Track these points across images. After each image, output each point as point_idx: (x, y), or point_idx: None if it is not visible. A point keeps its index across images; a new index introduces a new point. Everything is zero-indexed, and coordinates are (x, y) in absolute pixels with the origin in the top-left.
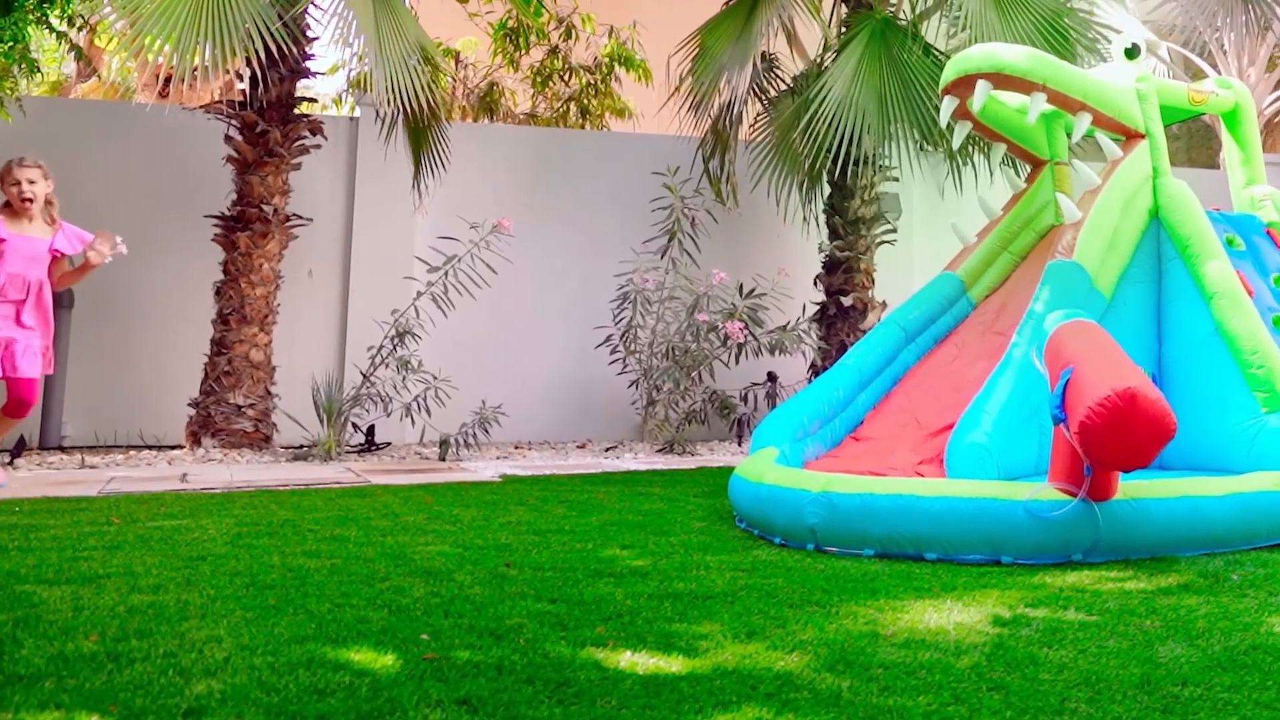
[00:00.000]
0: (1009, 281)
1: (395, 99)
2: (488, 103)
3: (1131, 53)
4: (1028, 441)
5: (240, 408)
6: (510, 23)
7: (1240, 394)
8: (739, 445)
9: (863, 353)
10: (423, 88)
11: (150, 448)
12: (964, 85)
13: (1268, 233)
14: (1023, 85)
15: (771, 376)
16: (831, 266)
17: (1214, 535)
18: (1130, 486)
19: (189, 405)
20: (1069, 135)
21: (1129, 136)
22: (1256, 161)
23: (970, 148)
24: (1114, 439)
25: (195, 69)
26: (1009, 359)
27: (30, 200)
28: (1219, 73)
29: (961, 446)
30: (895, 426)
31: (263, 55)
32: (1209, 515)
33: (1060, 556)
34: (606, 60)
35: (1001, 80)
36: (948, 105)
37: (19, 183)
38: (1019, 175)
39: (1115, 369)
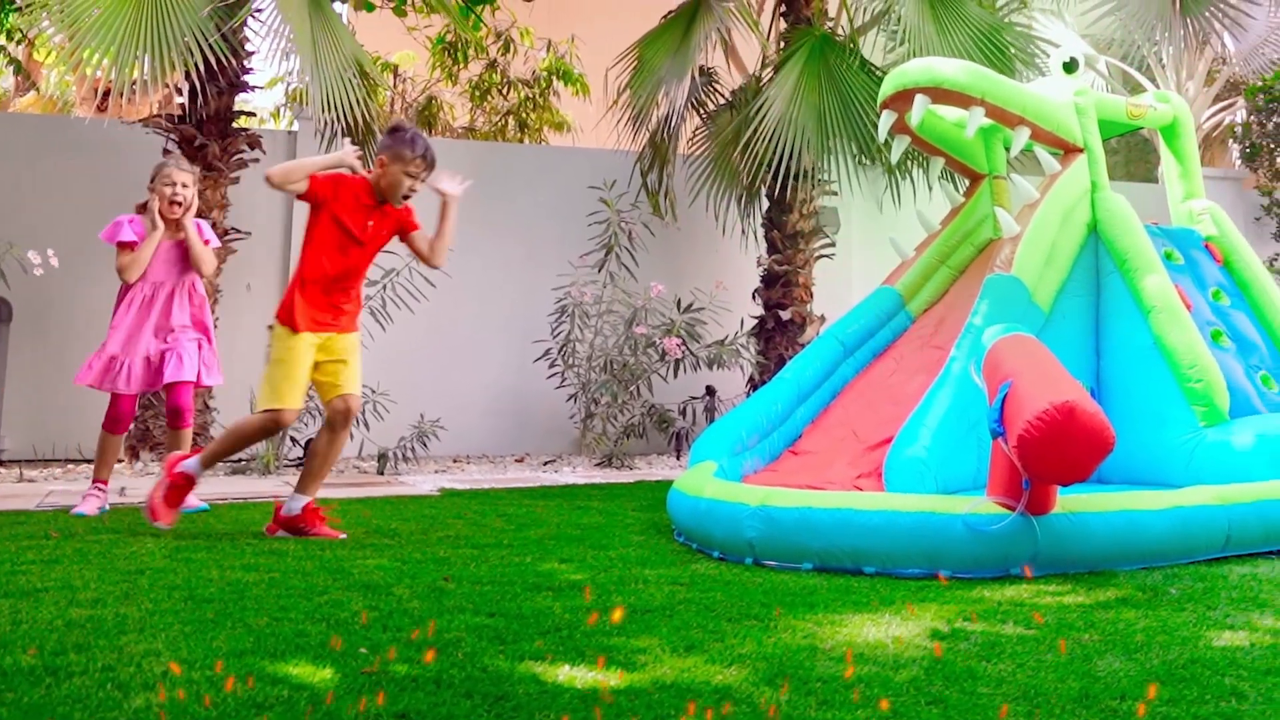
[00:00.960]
0: (947, 295)
1: (331, 113)
2: (426, 116)
3: (1070, 67)
4: (966, 455)
5: None
6: (449, 37)
7: (1179, 408)
8: (678, 459)
9: (801, 366)
10: (358, 101)
11: (88, 461)
12: (902, 99)
13: (1206, 247)
14: (961, 99)
15: (710, 390)
16: (770, 280)
17: (1153, 549)
18: (1069, 500)
19: None
20: (1007, 149)
21: (1067, 151)
22: (1195, 175)
23: (909, 162)
24: (1052, 453)
25: (134, 82)
26: (947, 373)
27: (180, 204)
28: (1157, 86)
29: (900, 460)
30: (833, 440)
31: (201, 69)
32: (1148, 529)
33: (999, 570)
34: (545, 74)
35: (940, 94)
36: (886, 119)
37: (174, 184)
38: (957, 189)
39: (1053, 383)
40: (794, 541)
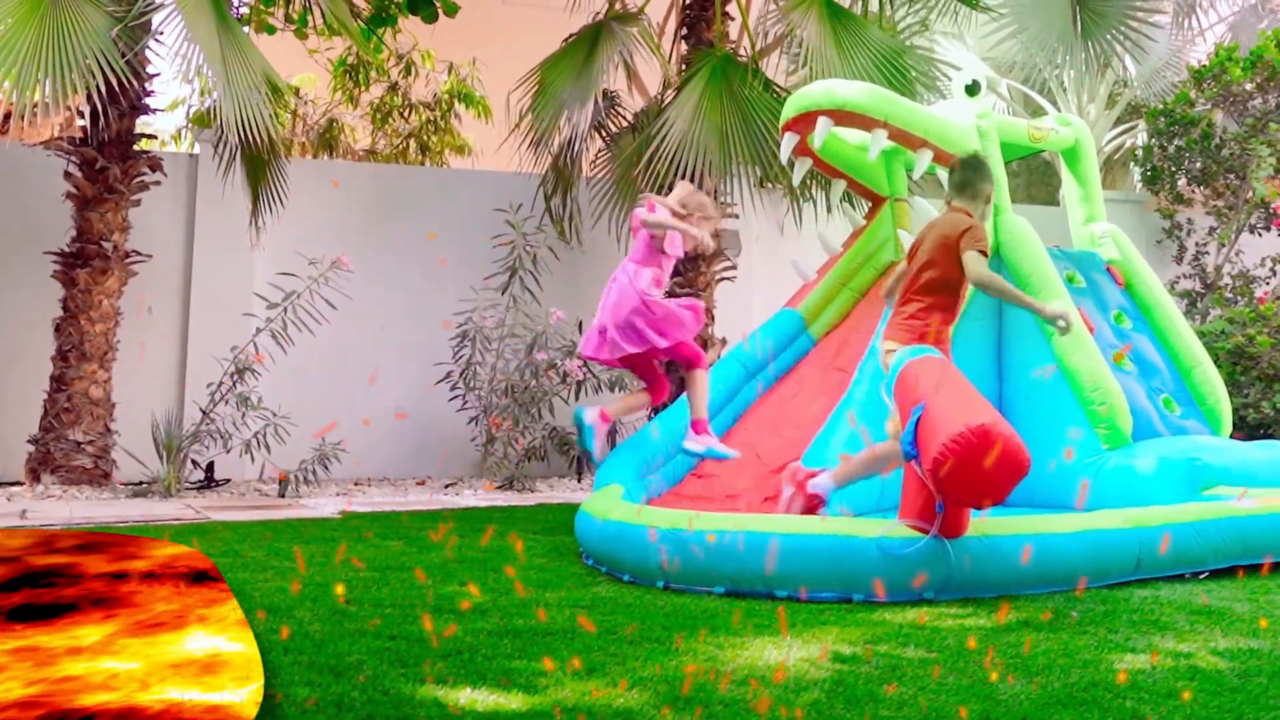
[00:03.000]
0: (849, 318)
1: (242, 131)
2: (327, 139)
3: (972, 89)
4: (869, 480)
5: (80, 444)
6: (350, 59)
7: (1084, 431)
8: (579, 482)
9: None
10: (269, 120)
11: None
12: (804, 122)
13: (1108, 269)
14: (864, 122)
15: None
16: None
17: (1066, 572)
18: (982, 523)
19: (28, 441)
20: (909, 171)
21: None
22: (1096, 198)
23: (810, 184)
24: (967, 476)
25: (35, 105)
26: (850, 397)
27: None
28: (1059, 109)
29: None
30: (736, 463)
31: (103, 91)
32: (1061, 552)
33: (913, 594)
34: (446, 97)
35: (843, 117)
36: (788, 142)
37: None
38: (857, 211)
39: (968, 404)
40: (707, 565)
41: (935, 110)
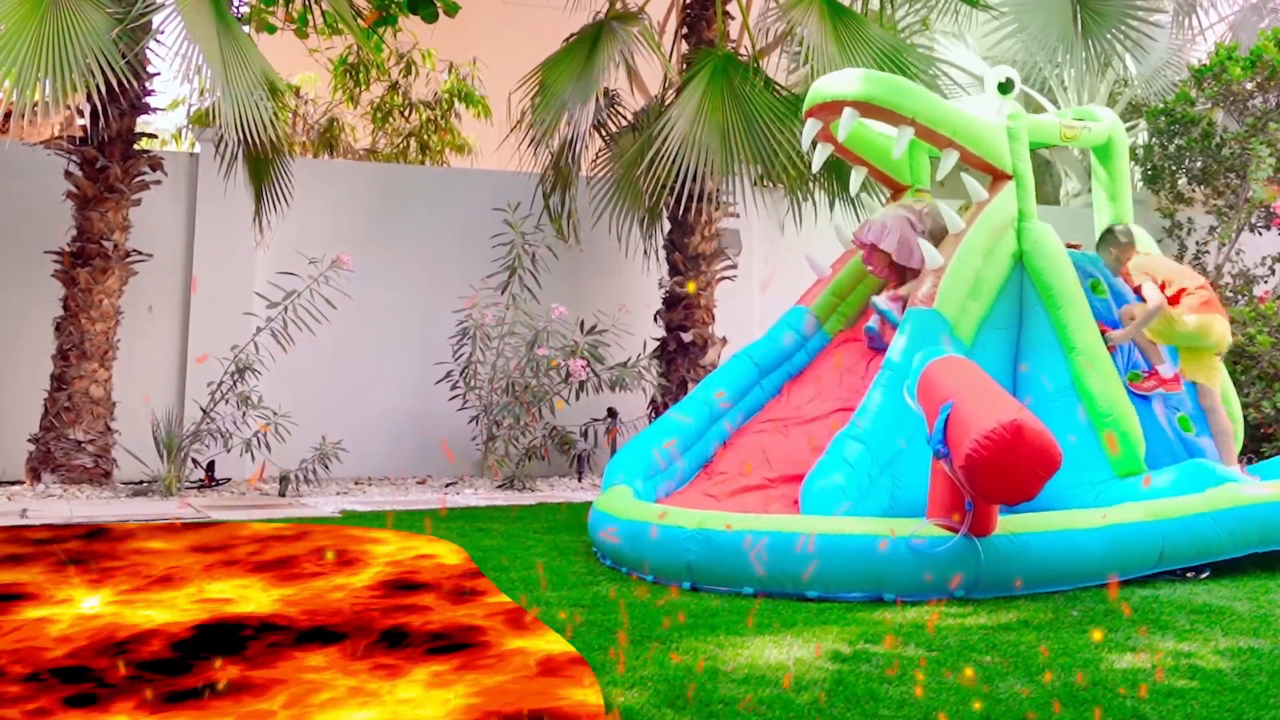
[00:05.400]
0: (866, 316)
1: (242, 131)
2: (328, 138)
3: (1005, 87)
4: (880, 490)
5: (80, 443)
6: (350, 58)
7: (1094, 453)
8: (579, 481)
9: (714, 387)
10: (268, 120)
11: None
12: (828, 109)
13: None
14: (891, 117)
15: (612, 413)
16: (672, 302)
17: (1092, 568)
18: (1008, 521)
19: (29, 441)
20: (932, 159)
21: (996, 176)
22: (1124, 198)
23: (810, 182)
24: (1000, 472)
25: (35, 104)
26: (864, 408)
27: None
28: (1059, 109)
29: (819, 489)
30: (745, 465)
31: (103, 90)
32: (1086, 548)
33: (943, 593)
34: (446, 96)
35: (869, 110)
36: (811, 128)
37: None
38: (874, 200)
39: (997, 401)
40: (735, 565)
41: (966, 106)
